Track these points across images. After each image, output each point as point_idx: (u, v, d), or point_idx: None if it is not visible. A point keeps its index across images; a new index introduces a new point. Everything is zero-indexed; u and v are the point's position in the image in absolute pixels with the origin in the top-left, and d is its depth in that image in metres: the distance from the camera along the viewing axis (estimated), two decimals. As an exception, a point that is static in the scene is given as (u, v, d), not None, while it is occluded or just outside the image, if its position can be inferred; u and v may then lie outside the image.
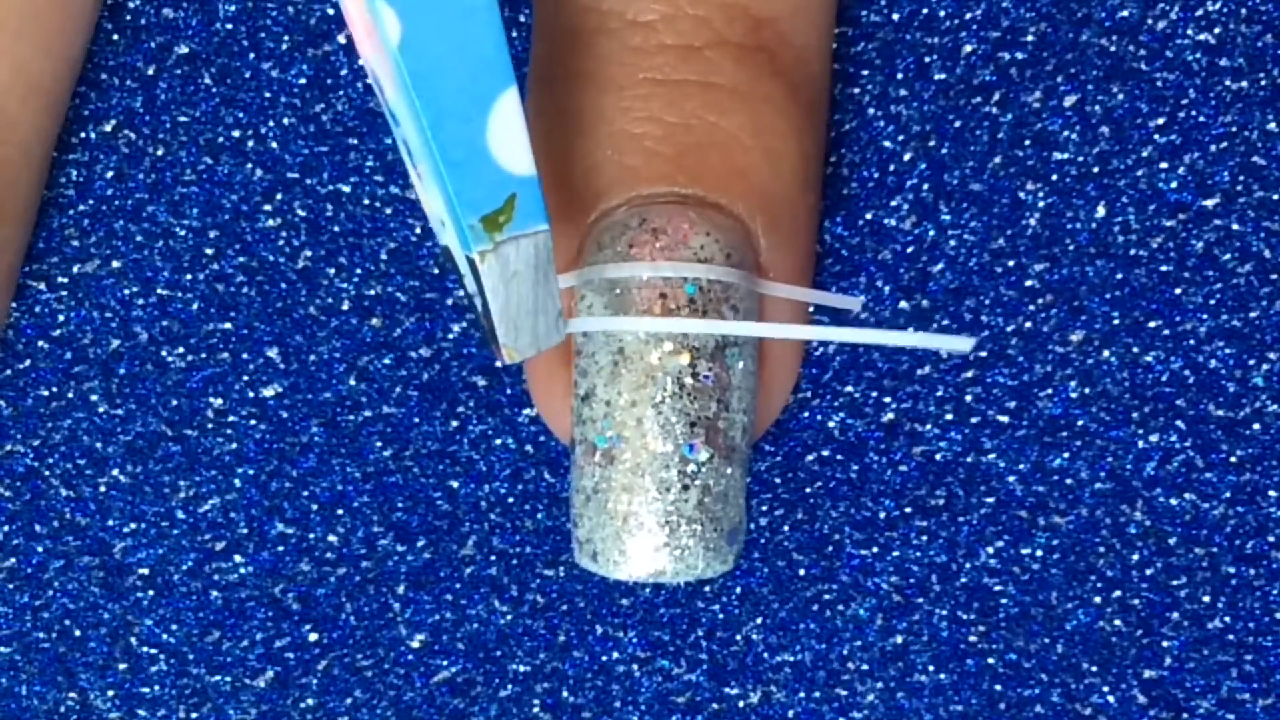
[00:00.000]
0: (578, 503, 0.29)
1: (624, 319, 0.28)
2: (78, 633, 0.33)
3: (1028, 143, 0.32)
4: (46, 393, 0.33)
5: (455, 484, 0.33)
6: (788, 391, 0.31)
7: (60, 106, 0.32)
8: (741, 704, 0.33)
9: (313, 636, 0.33)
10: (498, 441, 0.33)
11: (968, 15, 0.32)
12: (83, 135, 0.33)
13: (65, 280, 0.33)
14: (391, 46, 0.23)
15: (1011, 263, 0.32)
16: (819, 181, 0.31)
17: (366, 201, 0.33)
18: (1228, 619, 0.32)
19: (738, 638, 0.33)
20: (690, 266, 0.28)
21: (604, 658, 0.33)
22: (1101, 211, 0.32)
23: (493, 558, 0.33)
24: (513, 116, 0.24)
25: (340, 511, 0.33)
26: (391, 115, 0.24)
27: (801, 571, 0.33)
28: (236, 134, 0.33)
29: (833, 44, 0.31)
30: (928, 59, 0.32)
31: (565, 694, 0.33)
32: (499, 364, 0.28)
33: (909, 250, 0.32)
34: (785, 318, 0.29)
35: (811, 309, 0.32)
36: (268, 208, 0.33)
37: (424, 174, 0.25)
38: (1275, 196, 0.32)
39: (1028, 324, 0.32)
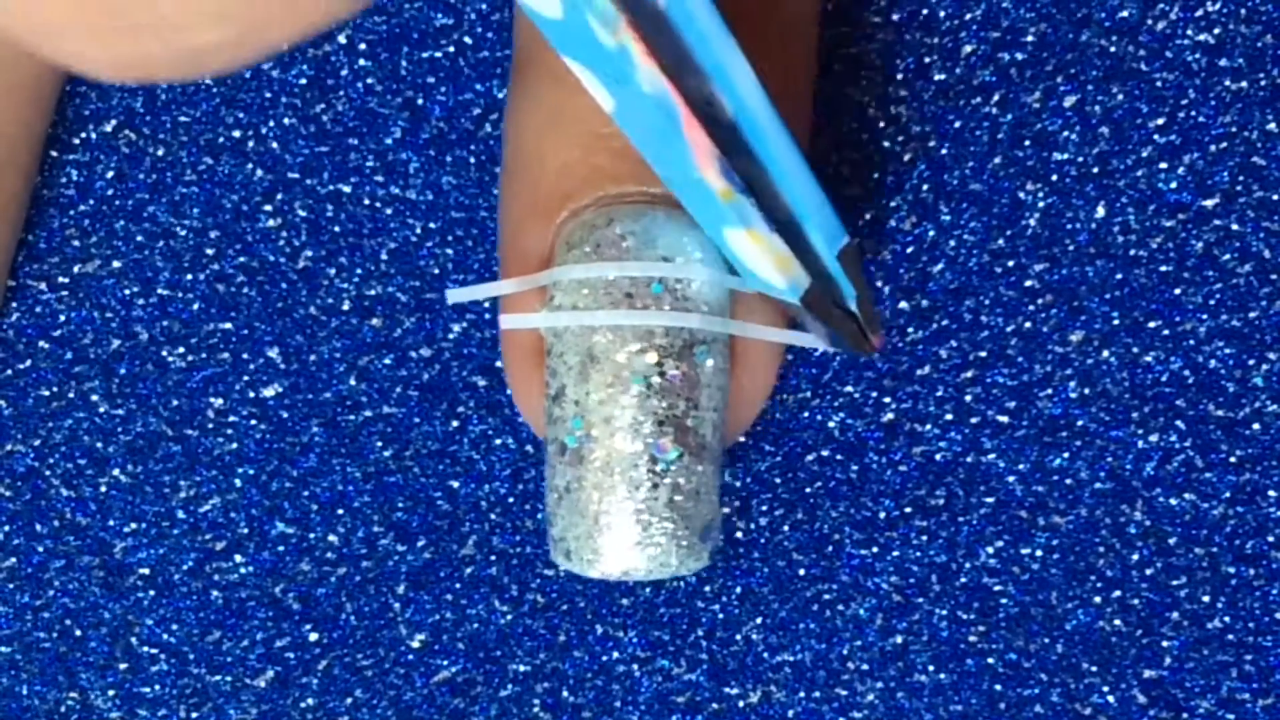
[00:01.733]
0: (551, 501, 0.29)
1: (587, 313, 0.28)
2: (78, 633, 0.33)
3: (1028, 143, 0.32)
4: (47, 393, 0.33)
5: (455, 484, 0.33)
6: (765, 390, 0.31)
7: (47, 102, 0.32)
8: (741, 704, 0.33)
9: (313, 636, 0.33)
10: (498, 441, 0.33)
11: (968, 15, 0.32)
12: (83, 135, 0.33)
13: (65, 280, 0.33)
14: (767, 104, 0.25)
15: (1011, 263, 0.32)
16: None
17: (366, 201, 0.33)
18: (1228, 619, 0.32)
19: (738, 638, 0.33)
20: (656, 266, 0.28)
21: (604, 658, 0.33)
22: (1101, 211, 0.32)
23: (493, 558, 0.33)
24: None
25: (340, 511, 0.33)
26: (745, 192, 0.26)
27: (801, 571, 0.33)
28: (236, 134, 0.33)
29: (818, 43, 0.31)
30: (928, 59, 0.32)
31: (565, 694, 0.33)
32: (873, 355, 0.30)
33: (909, 250, 0.32)
34: (761, 315, 0.29)
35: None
36: (268, 208, 0.33)
37: (786, 230, 0.26)
38: (1275, 196, 0.32)
39: (1028, 324, 0.32)
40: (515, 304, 0.30)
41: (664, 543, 0.28)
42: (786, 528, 0.33)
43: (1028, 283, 0.32)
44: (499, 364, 0.33)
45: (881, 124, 0.32)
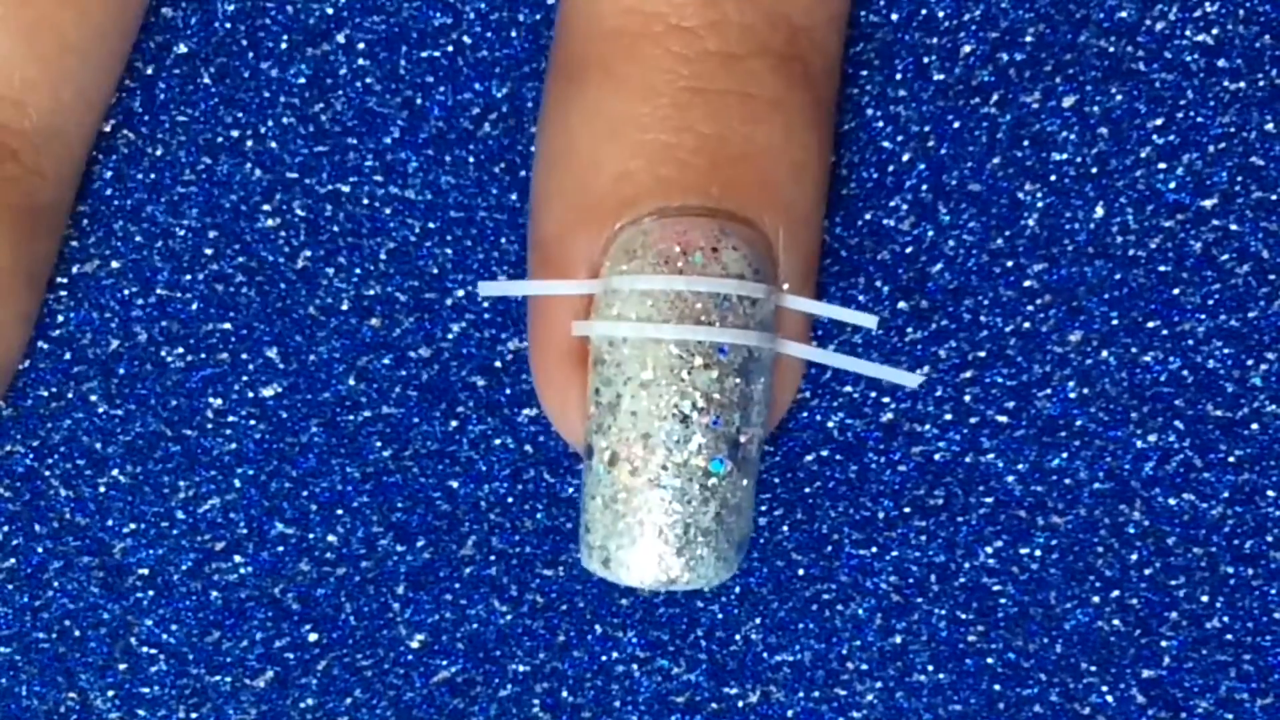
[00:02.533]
0: (592, 509, 0.29)
1: (653, 325, 0.28)
2: (78, 633, 0.33)
3: (1027, 143, 0.32)
4: (46, 393, 0.33)
5: (455, 484, 0.33)
6: (788, 404, 0.31)
7: (100, 123, 0.32)
8: (741, 704, 0.33)
9: (313, 636, 0.33)
10: (498, 441, 0.33)
11: (967, 15, 0.32)
12: (82, 135, 0.33)
13: (65, 280, 0.33)
14: None
15: (1011, 263, 0.32)
16: (827, 191, 0.31)
17: (366, 201, 0.33)
18: (1226, 619, 0.32)
19: (737, 638, 0.33)
20: (721, 282, 0.28)
21: (604, 658, 0.33)
22: (1100, 212, 0.32)
23: (493, 558, 0.33)
24: None
25: (340, 511, 0.33)
26: None
27: (801, 571, 0.33)
28: (236, 134, 0.33)
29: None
30: (927, 59, 0.32)
31: (565, 694, 0.33)
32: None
33: (908, 250, 0.32)
34: (794, 329, 0.29)
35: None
36: (267, 208, 0.33)
37: None
38: (1273, 197, 0.32)
39: (1027, 324, 0.32)
40: (552, 307, 0.29)
41: (705, 555, 0.28)
42: (786, 528, 0.33)
43: (1027, 283, 0.32)
44: (498, 364, 0.33)
45: (881, 124, 0.32)
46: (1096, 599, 0.32)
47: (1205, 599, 0.32)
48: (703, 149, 0.28)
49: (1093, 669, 0.32)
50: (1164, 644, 0.32)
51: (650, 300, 0.28)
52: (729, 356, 0.28)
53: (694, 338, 0.28)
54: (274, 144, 0.33)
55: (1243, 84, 0.32)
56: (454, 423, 0.33)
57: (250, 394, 0.33)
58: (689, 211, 0.28)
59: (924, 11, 0.32)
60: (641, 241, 0.28)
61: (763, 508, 0.33)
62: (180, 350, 0.33)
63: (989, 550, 0.32)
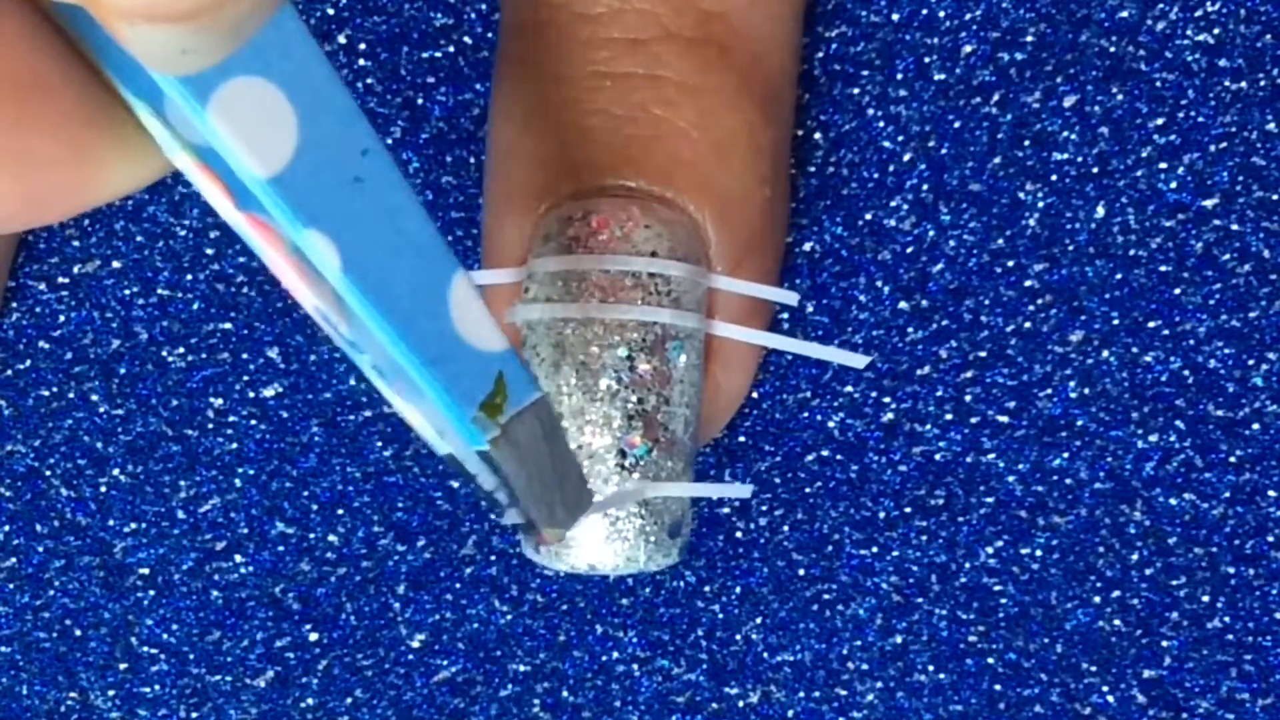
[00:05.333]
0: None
1: (559, 305, 0.28)
2: (78, 632, 0.33)
3: (1027, 143, 0.32)
4: (47, 393, 0.33)
5: (455, 484, 0.33)
6: (742, 389, 0.31)
7: None
8: (741, 704, 0.33)
9: (313, 636, 0.33)
10: (498, 441, 0.33)
11: (967, 15, 0.32)
12: (83, 135, 0.33)
13: (65, 280, 0.33)
14: (335, 273, 0.22)
15: (1011, 263, 0.32)
16: (780, 175, 0.30)
17: (367, 201, 0.33)
18: (1227, 619, 0.32)
19: (738, 638, 0.33)
20: (630, 260, 0.28)
21: (604, 658, 0.33)
22: (1101, 212, 0.32)
23: (493, 558, 0.33)
24: (470, 297, 0.23)
25: (340, 511, 0.33)
26: (353, 346, 0.23)
27: (801, 571, 0.33)
28: (237, 134, 0.33)
29: (799, 38, 0.31)
30: (928, 59, 0.32)
31: (565, 694, 0.33)
32: (540, 550, 0.29)
33: (909, 250, 0.32)
34: (737, 314, 0.29)
35: (811, 309, 0.32)
36: (268, 208, 0.33)
37: (404, 390, 0.23)
38: (1274, 196, 0.32)
39: (1027, 324, 0.32)
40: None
41: (632, 537, 0.28)
42: (786, 528, 0.33)
43: (1028, 283, 0.32)
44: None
45: (881, 124, 0.32)
46: (1097, 599, 0.32)
47: (1206, 599, 0.32)
48: (614, 130, 0.29)
49: (1093, 669, 0.32)
50: (1165, 644, 0.32)
51: (561, 281, 0.28)
52: (639, 334, 0.28)
53: (598, 316, 0.28)
54: (275, 144, 0.33)
55: (1244, 84, 0.32)
56: (454, 423, 0.33)
57: (251, 394, 0.33)
58: (605, 192, 0.29)
59: (925, 11, 0.32)
60: (556, 224, 0.29)
61: (763, 508, 0.33)
62: (181, 350, 0.33)
63: (990, 550, 0.32)
